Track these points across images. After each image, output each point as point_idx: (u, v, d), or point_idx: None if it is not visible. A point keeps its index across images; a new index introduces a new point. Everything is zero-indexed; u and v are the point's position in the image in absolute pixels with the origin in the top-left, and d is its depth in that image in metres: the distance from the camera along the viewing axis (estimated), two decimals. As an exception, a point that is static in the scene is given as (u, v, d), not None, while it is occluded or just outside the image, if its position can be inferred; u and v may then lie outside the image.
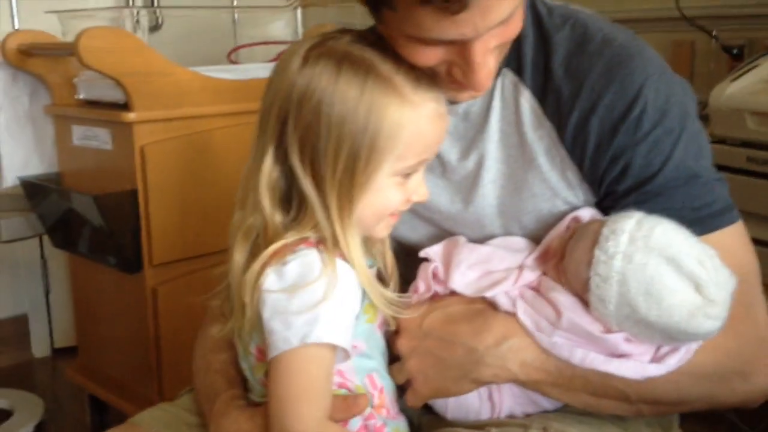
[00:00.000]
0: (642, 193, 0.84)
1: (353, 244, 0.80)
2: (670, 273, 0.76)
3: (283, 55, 0.83)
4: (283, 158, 0.80)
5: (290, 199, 0.82)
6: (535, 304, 0.83)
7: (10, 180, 1.87)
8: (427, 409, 0.90)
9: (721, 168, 1.31)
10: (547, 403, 0.87)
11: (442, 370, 0.84)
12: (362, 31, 0.83)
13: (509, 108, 0.88)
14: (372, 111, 0.77)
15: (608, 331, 0.79)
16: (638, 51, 0.84)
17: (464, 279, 0.86)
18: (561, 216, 0.88)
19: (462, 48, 0.75)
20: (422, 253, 0.89)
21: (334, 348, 0.78)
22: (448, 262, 0.88)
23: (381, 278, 0.88)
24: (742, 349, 0.83)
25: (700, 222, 0.82)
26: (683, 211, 0.82)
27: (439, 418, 0.89)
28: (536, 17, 0.87)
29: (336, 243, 0.79)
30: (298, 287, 0.77)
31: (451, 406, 0.87)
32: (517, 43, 0.86)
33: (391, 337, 0.88)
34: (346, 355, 0.79)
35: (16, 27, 2.12)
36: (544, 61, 0.86)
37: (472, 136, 0.90)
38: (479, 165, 0.89)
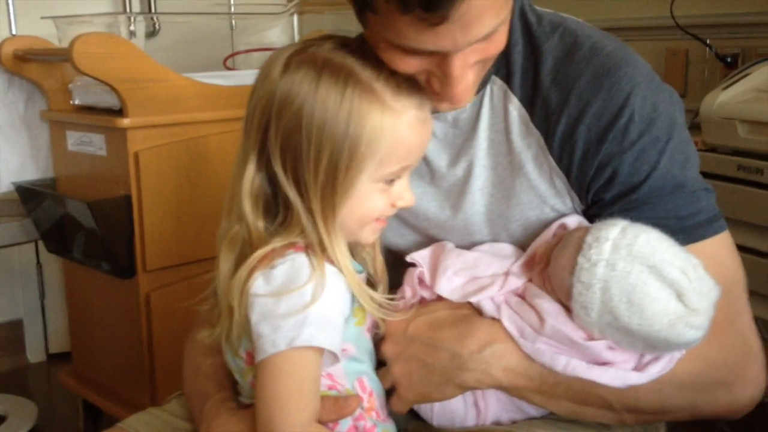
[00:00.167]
0: (628, 202, 0.84)
1: (339, 248, 0.80)
2: (653, 281, 0.76)
3: (265, 62, 0.83)
4: (266, 165, 0.81)
5: (276, 205, 0.82)
6: (519, 310, 0.83)
7: (5, 185, 1.88)
8: (414, 414, 0.90)
9: (711, 176, 1.33)
10: (532, 410, 0.87)
11: (426, 376, 0.84)
12: (345, 37, 0.83)
13: (498, 116, 0.88)
14: (352, 117, 0.77)
15: (591, 338, 0.79)
16: (626, 59, 0.84)
17: (450, 284, 0.86)
18: (548, 223, 0.88)
19: (441, 60, 0.75)
20: (409, 258, 0.89)
21: (321, 351, 0.78)
22: (434, 267, 0.88)
23: (371, 283, 0.88)
24: (726, 359, 0.84)
25: (686, 231, 0.83)
26: (669, 220, 0.82)
27: (426, 424, 0.89)
28: (526, 25, 0.88)
29: (323, 248, 0.79)
30: (286, 291, 0.77)
31: (437, 412, 0.87)
32: (507, 51, 0.86)
33: (377, 342, 0.88)
34: (335, 358, 0.79)
35: (14, 32, 2.13)
36: (533, 69, 0.86)
37: (461, 144, 0.90)
38: (468, 172, 0.89)
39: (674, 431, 1.72)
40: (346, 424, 0.82)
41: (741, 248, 1.26)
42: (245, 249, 0.82)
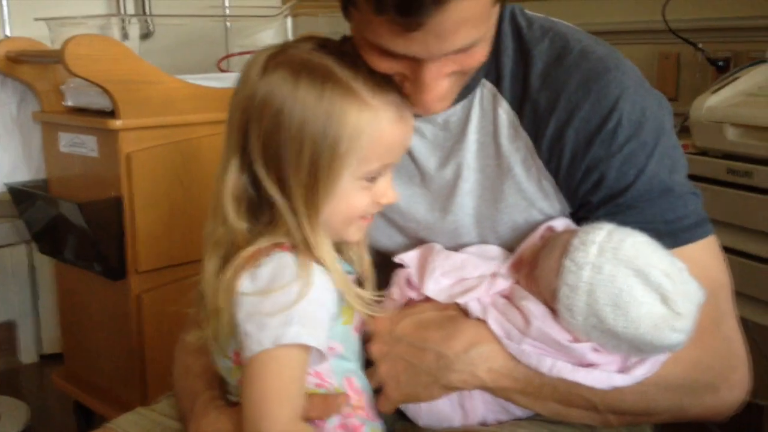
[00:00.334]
0: (615, 205, 0.84)
1: (325, 247, 0.80)
2: (638, 285, 0.76)
3: (245, 64, 0.83)
4: (248, 166, 0.81)
5: (261, 206, 0.82)
6: (506, 311, 0.83)
7: (-2, 186, 1.88)
8: (401, 415, 0.90)
9: (701, 179, 1.33)
10: (518, 411, 0.87)
11: (412, 376, 0.84)
12: (324, 38, 0.84)
13: (487, 118, 0.88)
14: (331, 116, 0.77)
15: (576, 340, 0.80)
16: (615, 64, 0.84)
17: (438, 285, 0.86)
18: (536, 226, 0.88)
19: (415, 65, 0.76)
20: (397, 259, 0.90)
21: (308, 349, 0.78)
22: (422, 268, 0.88)
23: (359, 282, 0.88)
24: (711, 362, 0.84)
25: (672, 235, 0.83)
26: (656, 223, 0.83)
27: (413, 425, 0.90)
28: (516, 29, 0.88)
29: (309, 247, 0.80)
30: (271, 289, 0.77)
31: (424, 413, 0.87)
32: (497, 55, 0.87)
33: (364, 342, 0.88)
34: (321, 356, 0.80)
35: (7, 34, 2.13)
36: (522, 73, 0.86)
37: (450, 146, 0.90)
38: (457, 175, 0.90)
39: (664, 431, 1.72)
40: (332, 422, 0.83)
41: (730, 251, 1.27)
42: (230, 250, 0.82)
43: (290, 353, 0.77)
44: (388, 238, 0.95)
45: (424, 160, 0.91)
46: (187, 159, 1.71)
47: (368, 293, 0.86)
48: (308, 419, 0.80)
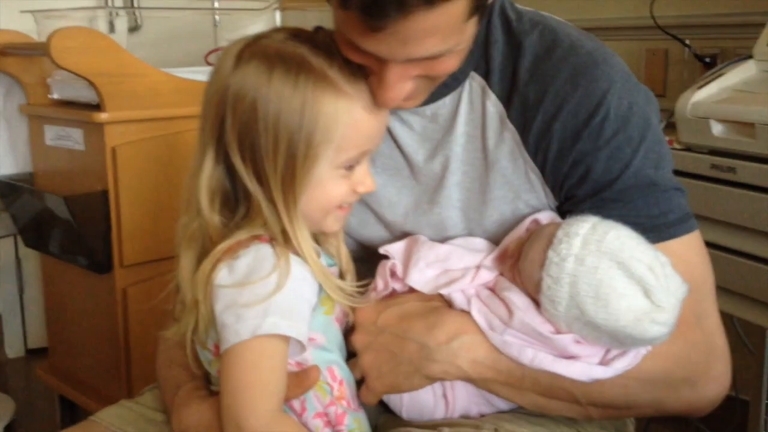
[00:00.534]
0: (600, 199, 0.84)
1: (302, 236, 0.80)
2: (620, 277, 0.76)
3: (218, 57, 0.83)
4: (224, 158, 0.81)
5: (236, 200, 0.82)
6: (489, 303, 0.84)
7: (-16, 179, 1.87)
8: (385, 408, 0.91)
9: (685, 175, 1.33)
10: (501, 403, 0.88)
11: (394, 366, 0.84)
12: (297, 28, 0.84)
13: (476, 111, 0.89)
14: (306, 105, 0.77)
15: (558, 332, 0.80)
16: (604, 59, 0.85)
17: (422, 276, 0.87)
18: (522, 218, 0.89)
19: (381, 62, 0.76)
20: (382, 250, 0.90)
21: (287, 340, 0.78)
22: (407, 259, 0.88)
23: (341, 275, 0.89)
24: (691, 357, 0.84)
25: (656, 230, 0.84)
26: (640, 218, 0.83)
27: (396, 418, 0.90)
28: (506, 22, 0.88)
29: (287, 238, 0.80)
30: (249, 281, 0.77)
31: (406, 404, 0.88)
32: (486, 48, 0.87)
33: (347, 333, 0.88)
34: (301, 347, 0.80)
35: (-3, 26, 2.12)
36: (512, 66, 0.87)
37: (439, 138, 0.90)
38: (444, 167, 0.90)
39: (649, 427, 1.73)
40: (313, 410, 0.83)
41: (713, 246, 1.28)
42: (206, 244, 0.82)
43: (268, 344, 0.77)
44: (375, 232, 0.95)
45: (412, 153, 0.92)
46: (173, 152, 1.70)
47: (347, 284, 0.86)
48: (285, 400, 0.80)
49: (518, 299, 0.82)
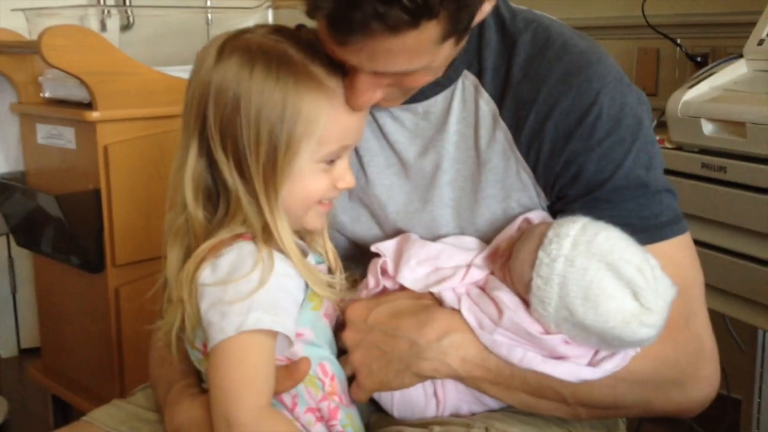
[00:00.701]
0: (591, 199, 0.85)
1: (283, 228, 0.81)
2: (609, 279, 0.77)
3: (200, 51, 0.84)
4: (206, 153, 0.81)
5: (218, 197, 0.83)
6: (479, 301, 0.84)
7: (-25, 178, 1.86)
8: (376, 407, 0.91)
9: (676, 174, 1.34)
10: (492, 402, 0.88)
11: (385, 364, 0.84)
12: (279, 25, 0.84)
13: (469, 110, 0.89)
14: (288, 97, 0.78)
15: (547, 332, 0.80)
16: (597, 59, 0.85)
17: (413, 274, 0.87)
18: (514, 218, 0.89)
19: (353, 68, 0.77)
20: (374, 248, 0.90)
21: (273, 335, 0.78)
22: (398, 257, 0.89)
23: (329, 272, 0.89)
24: (680, 359, 0.85)
25: (647, 231, 0.84)
26: (631, 219, 0.83)
27: (388, 416, 0.90)
28: (500, 21, 0.88)
29: (268, 234, 0.80)
30: (232, 278, 0.78)
31: (397, 402, 0.88)
32: (479, 47, 0.87)
33: (337, 330, 0.89)
34: (289, 342, 0.80)
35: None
36: (506, 64, 0.87)
37: (430, 135, 0.91)
38: (436, 165, 0.90)
39: (641, 426, 1.74)
40: (304, 405, 0.83)
41: (704, 245, 1.28)
42: (191, 241, 0.83)
43: (254, 339, 0.77)
44: (368, 230, 0.96)
45: (403, 149, 0.92)
46: (165, 151, 1.70)
47: (330, 277, 0.86)
48: (276, 393, 0.80)
49: (508, 299, 0.82)
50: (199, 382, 0.90)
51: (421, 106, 0.90)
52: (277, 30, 0.82)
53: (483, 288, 0.86)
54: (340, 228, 0.96)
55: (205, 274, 0.79)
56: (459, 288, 0.86)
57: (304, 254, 0.86)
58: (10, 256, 2.40)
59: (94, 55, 1.59)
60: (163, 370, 0.94)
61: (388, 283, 0.89)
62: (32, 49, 1.65)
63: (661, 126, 1.39)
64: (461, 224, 0.91)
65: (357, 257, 0.94)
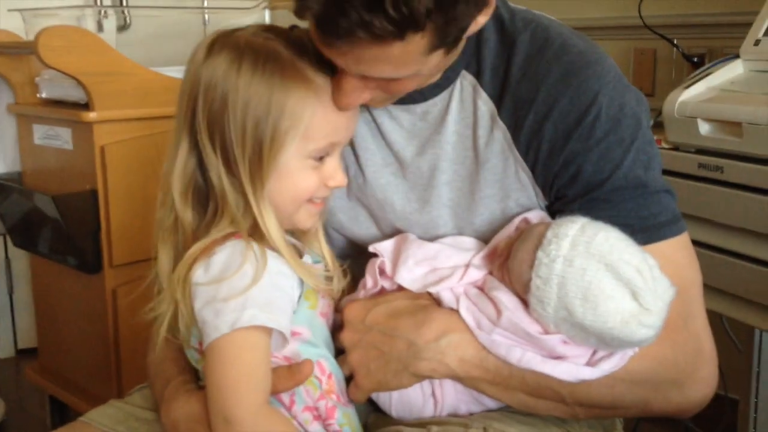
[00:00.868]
0: (590, 199, 0.85)
1: (270, 222, 0.81)
2: (608, 279, 0.77)
3: (192, 50, 0.84)
4: (196, 150, 0.82)
5: (207, 195, 0.83)
6: (478, 301, 0.84)
7: (-28, 179, 1.86)
8: (374, 407, 0.91)
9: (673, 174, 1.34)
10: (490, 402, 0.88)
11: (383, 364, 0.84)
12: (270, 24, 0.85)
13: (467, 110, 0.89)
14: (274, 91, 0.78)
15: (546, 332, 0.80)
16: (596, 59, 0.85)
17: (411, 274, 0.87)
18: (512, 218, 0.89)
19: (341, 69, 0.77)
20: (372, 248, 0.90)
21: (268, 332, 0.78)
22: (396, 257, 0.89)
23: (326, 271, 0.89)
24: (678, 359, 0.85)
25: (645, 231, 0.84)
26: (629, 219, 0.83)
27: (386, 417, 0.90)
28: (498, 21, 0.88)
29: (259, 232, 0.80)
30: (226, 276, 0.78)
31: (395, 402, 0.88)
32: (478, 47, 0.87)
33: (335, 331, 0.89)
34: (284, 340, 0.80)
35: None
36: (504, 64, 0.87)
37: (428, 135, 0.91)
38: (434, 165, 0.90)
39: (638, 426, 1.74)
40: (302, 403, 0.83)
41: (701, 245, 1.28)
42: (180, 239, 0.84)
43: (249, 336, 0.77)
44: (366, 229, 0.96)
45: (400, 149, 0.92)
46: (162, 152, 1.66)
47: (317, 267, 0.86)
48: (276, 393, 0.80)
49: (507, 299, 0.82)
50: (196, 379, 0.90)
51: (419, 107, 0.90)
52: (268, 29, 0.83)
53: (481, 288, 0.86)
54: (339, 227, 0.96)
55: (198, 274, 0.80)
56: (457, 288, 0.86)
57: (300, 254, 0.86)
58: (6, 257, 2.40)
59: (90, 55, 1.59)
60: (161, 367, 0.94)
61: (386, 284, 0.89)
62: (29, 50, 1.65)
63: (658, 126, 1.39)
64: (459, 224, 0.91)
65: (355, 257, 0.94)
